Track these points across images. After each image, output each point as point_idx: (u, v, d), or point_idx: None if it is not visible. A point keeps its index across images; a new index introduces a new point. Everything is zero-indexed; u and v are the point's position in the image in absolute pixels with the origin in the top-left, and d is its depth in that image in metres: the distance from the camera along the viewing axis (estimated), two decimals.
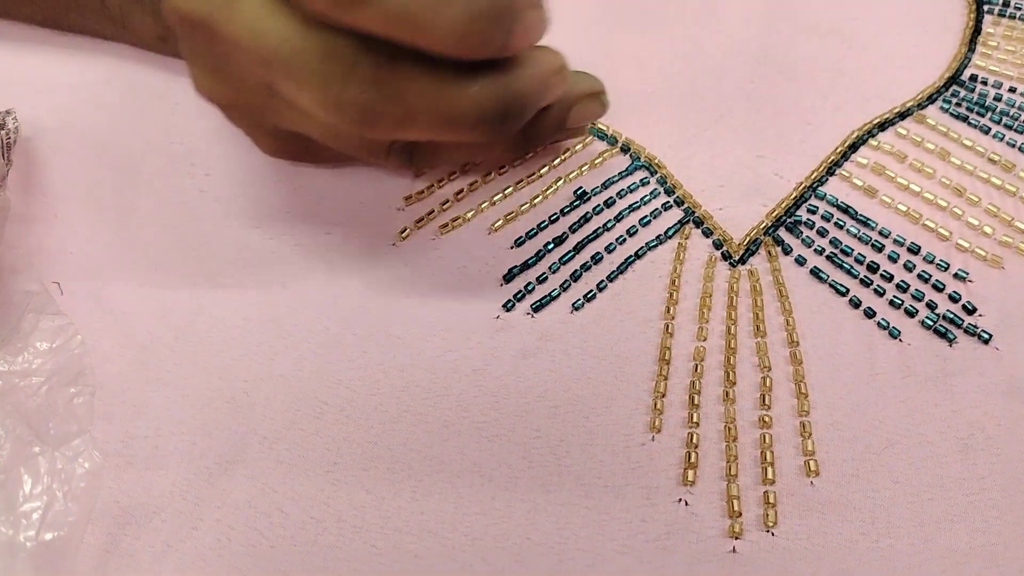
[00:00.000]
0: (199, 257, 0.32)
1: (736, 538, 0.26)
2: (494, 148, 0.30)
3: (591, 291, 0.31)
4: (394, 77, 0.23)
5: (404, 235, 0.32)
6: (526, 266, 0.31)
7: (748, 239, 0.32)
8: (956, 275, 0.31)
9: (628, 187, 0.33)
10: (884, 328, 0.30)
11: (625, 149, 0.34)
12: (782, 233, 0.32)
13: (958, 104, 0.35)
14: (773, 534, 0.26)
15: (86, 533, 0.27)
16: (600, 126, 0.34)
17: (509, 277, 0.31)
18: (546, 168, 0.34)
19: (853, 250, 0.31)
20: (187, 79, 0.36)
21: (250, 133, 0.31)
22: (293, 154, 0.32)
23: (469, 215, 0.33)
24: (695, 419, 0.28)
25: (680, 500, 0.27)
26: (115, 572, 0.26)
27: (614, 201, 0.33)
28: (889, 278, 0.31)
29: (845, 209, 0.32)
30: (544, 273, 0.31)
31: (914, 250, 0.31)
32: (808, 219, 0.32)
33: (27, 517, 0.27)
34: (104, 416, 0.29)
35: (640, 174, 0.34)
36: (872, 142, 0.34)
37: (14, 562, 0.26)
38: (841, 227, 0.32)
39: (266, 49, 0.24)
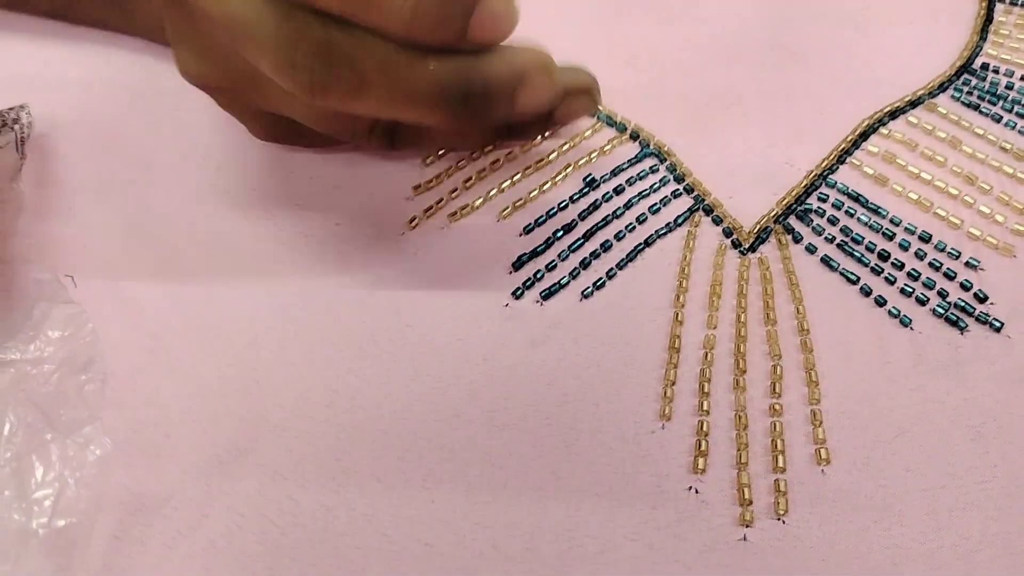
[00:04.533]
0: (210, 248, 0.32)
1: (746, 526, 0.26)
2: (472, 135, 0.30)
3: (600, 279, 0.31)
4: (346, 42, 0.23)
5: (413, 224, 0.32)
6: (535, 254, 0.31)
7: (758, 227, 0.32)
8: (967, 263, 0.31)
9: (638, 174, 0.33)
10: (895, 316, 0.30)
11: (635, 136, 0.34)
12: (792, 221, 0.32)
13: (969, 92, 0.35)
14: (784, 522, 0.26)
15: (97, 521, 0.27)
16: (609, 113, 0.34)
17: (518, 265, 0.31)
18: (555, 155, 0.34)
19: (864, 238, 0.31)
20: None
21: (241, 118, 0.31)
22: (284, 137, 0.32)
23: (478, 203, 0.32)
24: (705, 407, 0.28)
25: (690, 488, 0.27)
26: (126, 559, 0.26)
27: (623, 189, 0.33)
28: (900, 266, 0.31)
29: (856, 197, 0.32)
30: (553, 261, 0.31)
31: (925, 238, 0.31)
32: (819, 207, 0.32)
33: (39, 504, 0.27)
34: (116, 405, 0.29)
35: (650, 161, 0.33)
36: (883, 130, 0.34)
37: (27, 548, 0.26)
38: (852, 215, 0.32)
39: (229, 15, 0.24)
